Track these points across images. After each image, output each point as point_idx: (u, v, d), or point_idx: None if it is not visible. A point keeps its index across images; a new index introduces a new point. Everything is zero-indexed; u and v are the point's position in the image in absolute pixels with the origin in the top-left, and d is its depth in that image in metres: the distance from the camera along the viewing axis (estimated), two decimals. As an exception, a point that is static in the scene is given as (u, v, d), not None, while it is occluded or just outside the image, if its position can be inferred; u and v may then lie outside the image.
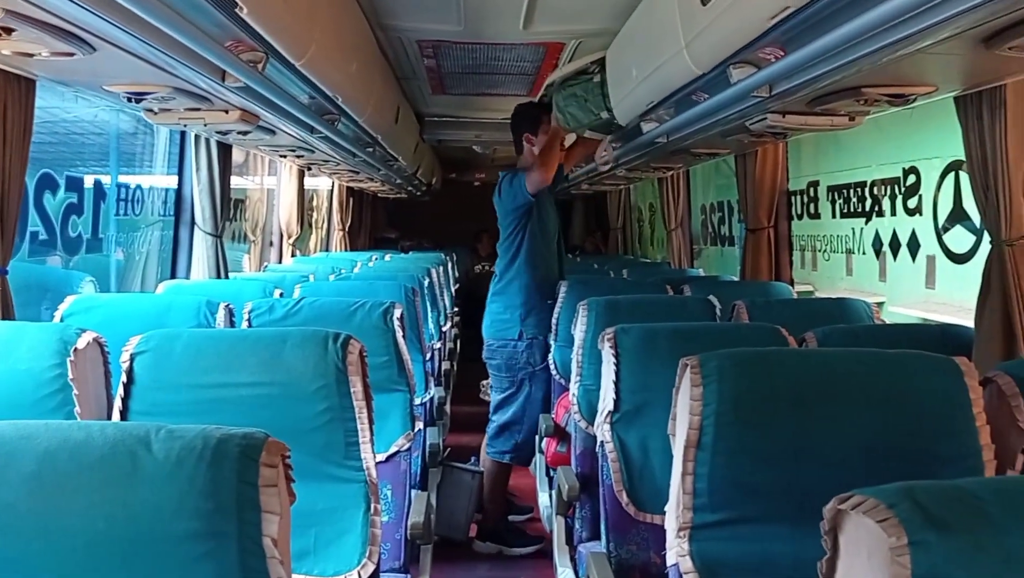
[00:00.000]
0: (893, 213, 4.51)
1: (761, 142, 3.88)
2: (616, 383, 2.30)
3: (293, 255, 6.26)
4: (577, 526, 2.73)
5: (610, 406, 2.30)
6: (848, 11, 1.72)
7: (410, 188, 8.59)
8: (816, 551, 1.42)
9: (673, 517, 1.49)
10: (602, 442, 2.29)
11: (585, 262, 7.28)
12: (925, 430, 1.44)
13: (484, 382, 5.01)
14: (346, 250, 8.03)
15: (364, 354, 1.83)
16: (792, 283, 4.25)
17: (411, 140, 6.03)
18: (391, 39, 4.12)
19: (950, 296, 4.02)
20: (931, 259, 4.20)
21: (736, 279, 4.62)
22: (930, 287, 4.20)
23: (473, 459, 4.15)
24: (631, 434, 2.28)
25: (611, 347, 2.32)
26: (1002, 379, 1.53)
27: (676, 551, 1.45)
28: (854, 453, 1.44)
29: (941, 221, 4.11)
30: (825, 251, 5.30)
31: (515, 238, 3.79)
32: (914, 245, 4.34)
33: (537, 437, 3.78)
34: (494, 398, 3.92)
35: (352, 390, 1.78)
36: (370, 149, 4.93)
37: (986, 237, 2.49)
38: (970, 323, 2.53)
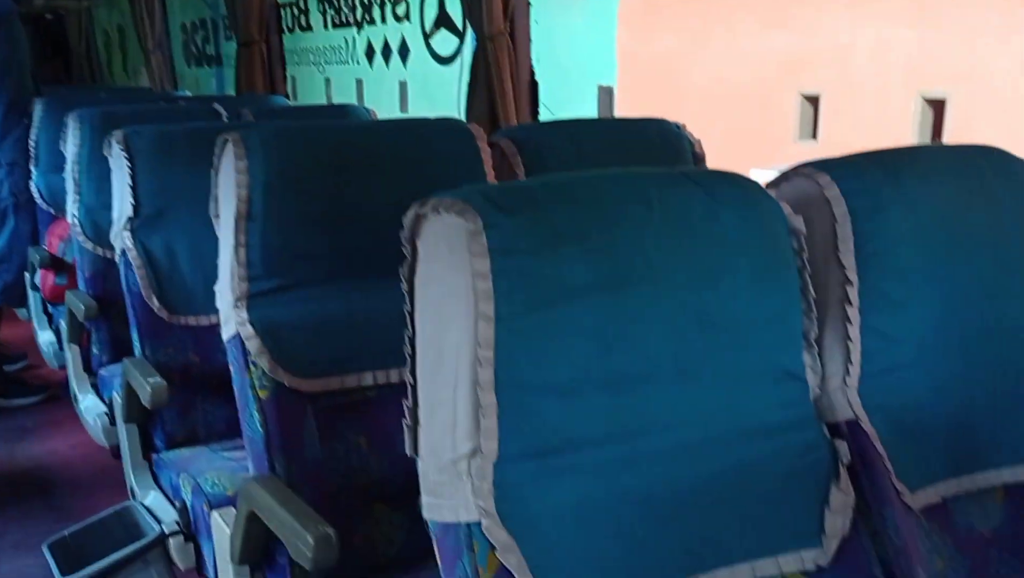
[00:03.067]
0: (384, 21, 4.71)
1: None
2: (133, 188, 2.18)
3: None
4: (95, 352, 2.59)
5: (129, 212, 2.18)
6: None
7: None
8: (364, 303, 1.56)
9: (228, 290, 1.50)
10: (123, 251, 2.17)
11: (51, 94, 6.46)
12: (446, 186, 1.62)
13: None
14: None
15: None
16: (289, 97, 4.29)
17: None
18: None
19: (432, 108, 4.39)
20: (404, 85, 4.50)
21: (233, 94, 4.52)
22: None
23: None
24: (155, 239, 2.19)
25: (122, 150, 2.17)
26: (504, 142, 1.78)
27: (236, 321, 1.48)
28: (389, 211, 1.57)
29: (428, 27, 4.40)
30: (320, 63, 5.38)
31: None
32: (404, 51, 4.61)
33: (28, 274, 3.43)
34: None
35: None
36: None
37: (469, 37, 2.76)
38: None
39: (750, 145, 4.32)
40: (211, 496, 1.74)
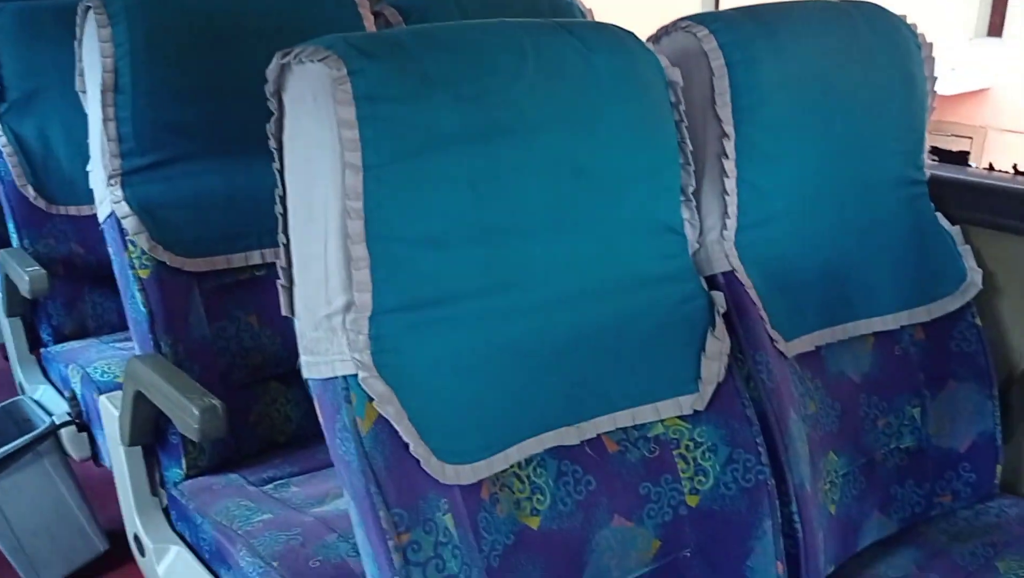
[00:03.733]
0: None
1: None
2: (-3, 71, 2.05)
3: None
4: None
5: (-7, 96, 2.05)
6: None
7: None
8: (248, 179, 1.51)
9: (100, 168, 1.43)
10: (-9, 137, 2.05)
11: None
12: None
13: None
14: None
15: None
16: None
17: None
18: None
19: None
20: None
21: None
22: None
23: None
24: (27, 125, 2.08)
25: (-20, 32, 2.03)
26: (388, 10, 1.72)
27: (110, 200, 1.42)
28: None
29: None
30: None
31: None
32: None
33: None
34: None
35: None
36: None
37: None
38: None
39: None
40: (101, 384, 1.71)
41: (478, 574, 0.89)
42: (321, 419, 0.91)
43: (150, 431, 1.42)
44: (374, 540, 0.85)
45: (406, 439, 0.87)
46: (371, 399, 0.86)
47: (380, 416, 0.86)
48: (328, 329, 0.88)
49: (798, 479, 1.13)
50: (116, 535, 1.88)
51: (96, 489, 1.95)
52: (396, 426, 0.86)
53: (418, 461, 0.87)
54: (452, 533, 0.87)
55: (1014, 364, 1.42)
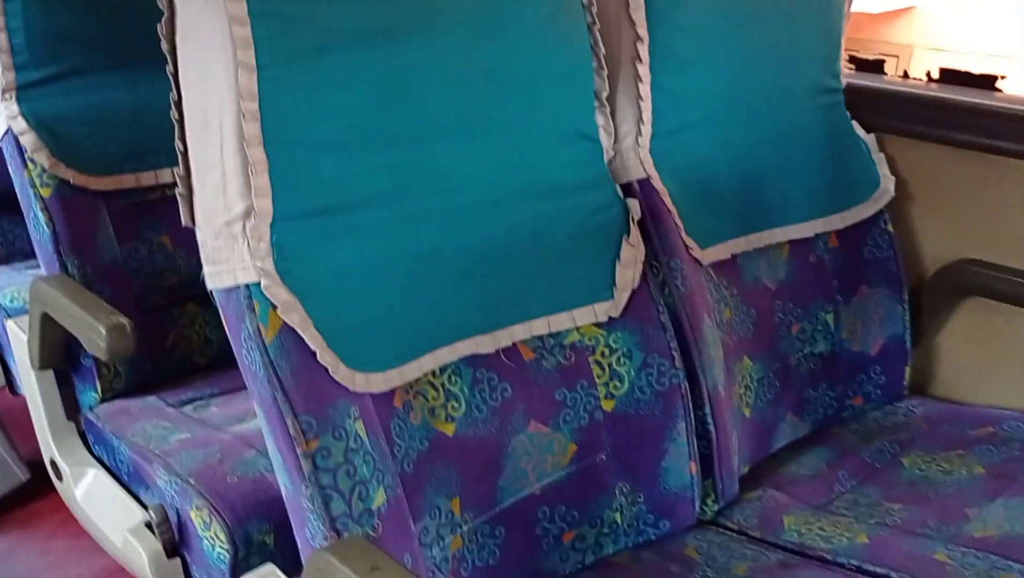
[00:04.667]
0: None
1: None
2: None
3: None
4: None
5: None
6: None
7: None
8: (153, 94, 1.45)
9: (-7, 81, 1.36)
10: None
11: None
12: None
13: None
14: None
15: None
16: None
17: None
18: None
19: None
20: None
21: None
22: None
23: None
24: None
25: None
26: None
27: (6, 115, 1.35)
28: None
29: None
30: None
31: None
32: None
33: None
34: None
35: None
36: None
37: None
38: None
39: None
40: (10, 309, 1.65)
41: (391, 479, 0.89)
42: (227, 330, 0.90)
43: (60, 354, 1.38)
44: (283, 448, 0.84)
45: (312, 347, 0.85)
46: (274, 307, 0.84)
47: (285, 324, 0.84)
48: (228, 237, 0.86)
49: (711, 382, 1.15)
50: (38, 465, 1.86)
51: (14, 420, 1.91)
52: (302, 334, 0.85)
53: (326, 369, 0.86)
54: (363, 440, 0.87)
55: (924, 269, 1.45)
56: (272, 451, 0.87)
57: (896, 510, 1.16)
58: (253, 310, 0.84)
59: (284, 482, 0.87)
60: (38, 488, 1.88)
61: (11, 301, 1.68)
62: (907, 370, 1.42)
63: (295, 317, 0.85)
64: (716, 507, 1.17)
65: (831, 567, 1.05)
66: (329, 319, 0.88)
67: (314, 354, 0.86)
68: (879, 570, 1.03)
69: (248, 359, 0.86)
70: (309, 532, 0.85)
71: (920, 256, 1.46)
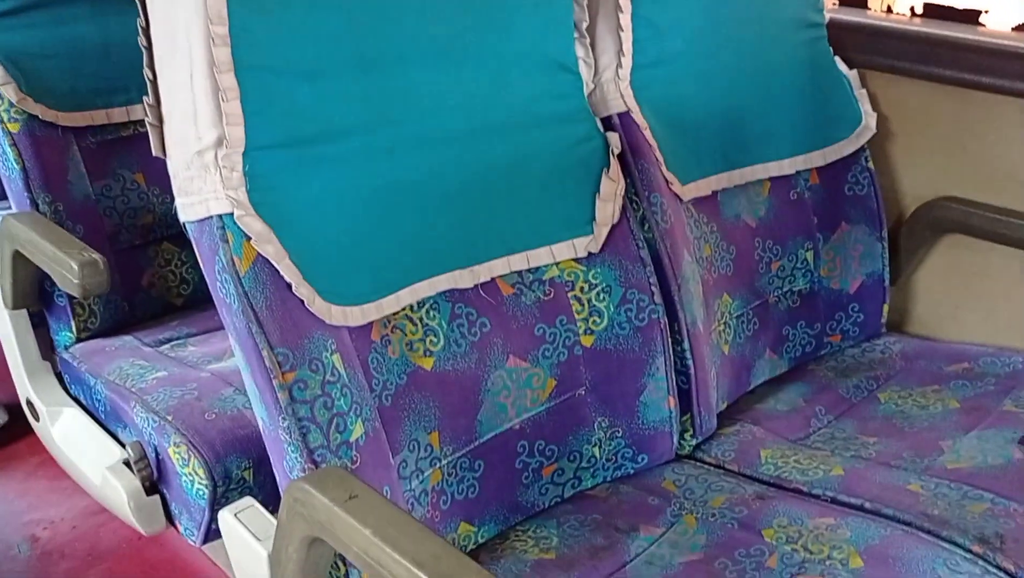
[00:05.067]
0: None
1: None
2: None
3: None
4: None
5: None
6: None
7: None
8: (124, 28, 1.42)
9: (-45, 13, 1.32)
10: None
11: None
12: None
13: None
14: None
15: None
16: None
17: None
18: None
19: None
20: None
21: None
22: None
23: None
24: None
25: None
26: None
27: (-31, 48, 1.32)
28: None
29: None
30: None
31: None
32: None
33: None
34: None
35: None
36: None
37: None
38: None
39: None
40: (-19, 249, 1.63)
41: (370, 412, 0.89)
42: (201, 263, 0.88)
43: (34, 294, 1.36)
44: (260, 381, 0.84)
45: (288, 279, 0.84)
46: (248, 238, 0.83)
47: (259, 255, 0.83)
48: (200, 167, 0.84)
49: (690, 318, 1.15)
50: (16, 407, 1.85)
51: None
52: (276, 265, 0.84)
53: (302, 301, 0.85)
54: (341, 372, 0.86)
55: (904, 207, 1.45)
56: (249, 384, 0.87)
57: (872, 443, 1.17)
58: (227, 241, 0.83)
59: (261, 415, 0.87)
60: (16, 430, 1.88)
61: (-18, 241, 1.66)
62: (885, 308, 1.42)
63: (269, 248, 0.83)
64: (694, 442, 1.18)
65: (807, 498, 1.07)
66: (304, 251, 0.86)
67: (289, 286, 0.85)
68: (853, 501, 1.04)
69: (223, 292, 0.85)
70: (287, 465, 0.85)
71: (900, 193, 1.45)
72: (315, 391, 0.84)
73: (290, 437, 0.83)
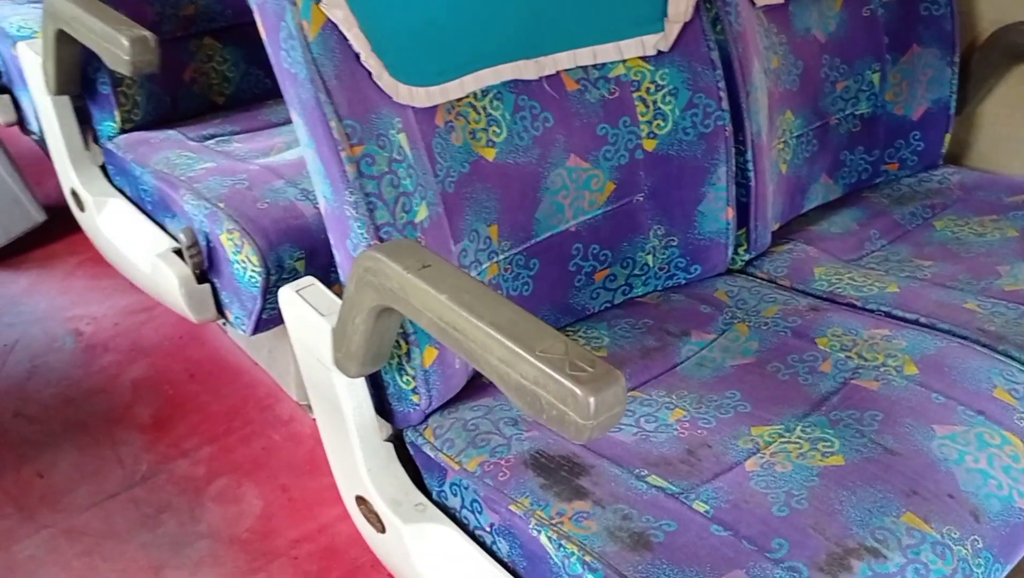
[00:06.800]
0: None
1: None
2: None
3: None
4: None
5: None
6: None
7: None
8: None
9: None
10: None
11: None
12: None
13: None
14: None
15: None
16: None
17: None
18: None
19: None
20: None
21: None
22: None
23: None
24: None
25: None
26: None
27: None
28: None
29: None
30: None
31: None
32: None
33: None
34: None
35: None
36: None
37: None
38: None
39: None
40: (17, 38, 1.58)
41: (434, 197, 0.87)
42: (265, 36, 0.84)
43: (77, 78, 1.33)
44: (326, 154, 0.82)
45: (356, 48, 0.81)
46: (317, 0, 0.79)
47: (328, 20, 0.80)
48: None
49: (756, 128, 1.11)
50: (53, 208, 1.85)
51: (29, 166, 1.88)
52: (346, 33, 0.80)
53: (369, 74, 0.82)
54: (407, 152, 0.84)
55: (980, 31, 1.38)
56: (312, 160, 0.85)
57: (927, 266, 1.16)
58: (295, 3, 0.79)
59: (324, 193, 0.85)
60: (55, 230, 1.89)
61: (18, 30, 1.61)
62: (947, 138, 1.38)
63: (338, 13, 0.80)
64: (747, 257, 1.17)
65: (860, 312, 1.06)
66: (372, 25, 0.83)
67: (358, 57, 0.81)
68: (908, 316, 1.04)
69: (288, 61, 0.82)
70: (352, 243, 0.84)
71: (977, 16, 1.38)
72: (382, 167, 0.82)
73: (356, 212, 0.82)
